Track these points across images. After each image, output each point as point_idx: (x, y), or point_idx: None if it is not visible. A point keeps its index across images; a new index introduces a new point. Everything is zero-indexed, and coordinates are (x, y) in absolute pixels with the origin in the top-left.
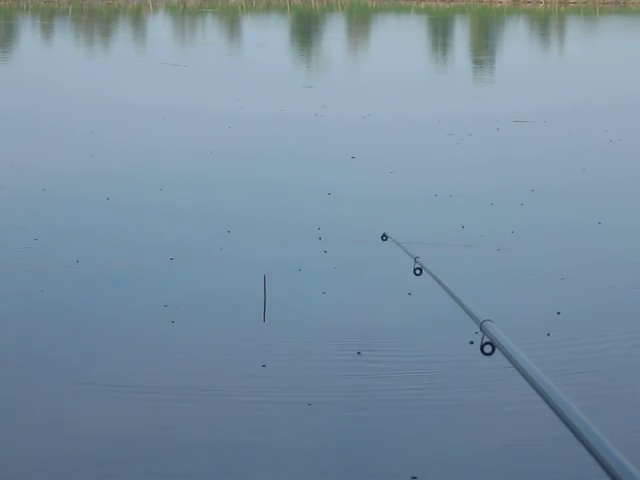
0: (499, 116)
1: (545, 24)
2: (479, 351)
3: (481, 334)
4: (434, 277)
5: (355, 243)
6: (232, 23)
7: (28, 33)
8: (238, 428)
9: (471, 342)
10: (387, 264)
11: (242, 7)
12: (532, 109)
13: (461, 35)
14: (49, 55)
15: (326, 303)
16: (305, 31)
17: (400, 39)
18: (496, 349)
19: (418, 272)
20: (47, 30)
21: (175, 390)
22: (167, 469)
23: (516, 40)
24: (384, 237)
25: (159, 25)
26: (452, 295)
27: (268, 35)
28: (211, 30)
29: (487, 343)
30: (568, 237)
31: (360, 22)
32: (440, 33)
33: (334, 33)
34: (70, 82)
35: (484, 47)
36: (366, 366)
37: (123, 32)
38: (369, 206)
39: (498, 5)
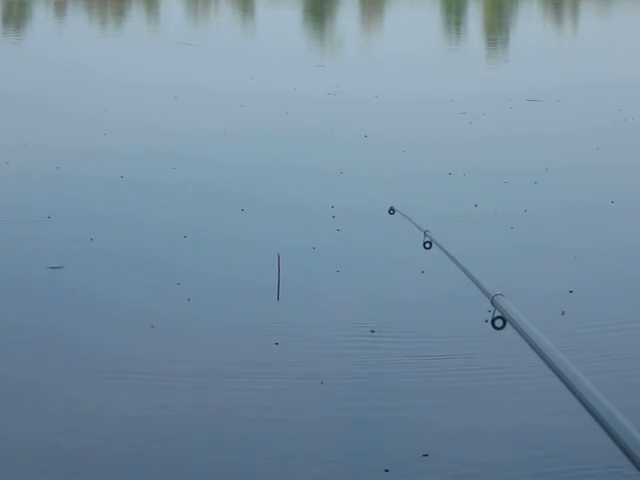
0: (512, 95)
1: (559, 3)
2: (490, 325)
3: (493, 309)
4: (444, 250)
5: (368, 221)
6: (245, 2)
7: (41, 12)
8: (251, 405)
9: (486, 321)
10: (399, 241)
11: None
12: (545, 88)
13: (475, 14)
14: (62, 34)
15: (340, 281)
16: (318, 10)
17: (413, 18)
18: (507, 323)
19: (428, 246)
20: (60, 9)
21: (190, 369)
22: (179, 444)
23: (530, 19)
24: (391, 211)
25: (172, 4)
26: (463, 268)
27: (281, 14)
28: (224, 9)
29: (498, 317)
30: (581, 215)
31: (373, 1)
32: (454, 12)
33: (347, 12)
34: (83, 61)
35: (497, 26)
36: (379, 344)
37: (136, 11)
38: (382, 184)
39: None
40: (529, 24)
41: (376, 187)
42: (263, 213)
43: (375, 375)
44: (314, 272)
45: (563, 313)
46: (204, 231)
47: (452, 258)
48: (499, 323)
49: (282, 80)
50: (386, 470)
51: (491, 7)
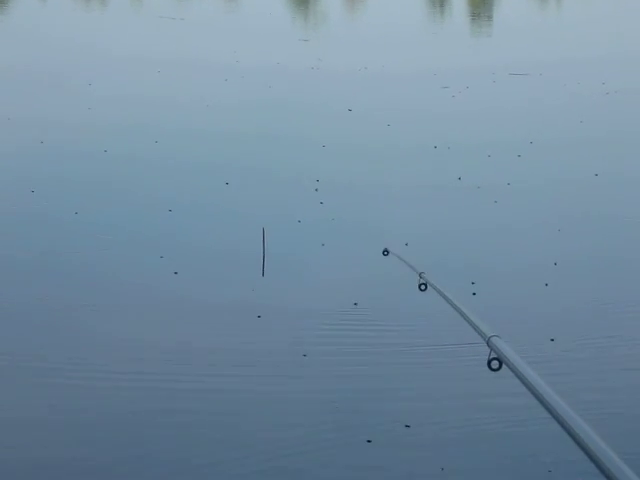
0: (495, 69)
1: None
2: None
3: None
4: (440, 293)
5: (352, 195)
6: None
7: None
8: (235, 382)
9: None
10: (385, 216)
11: None
12: (529, 62)
13: None
14: (46, 8)
15: (325, 255)
16: None
17: None
18: (503, 365)
19: (423, 287)
20: None
21: (174, 343)
22: (164, 418)
23: None
24: (385, 252)
25: None
26: (459, 310)
27: None
28: None
29: (494, 359)
30: (565, 188)
31: None
32: None
33: None
34: (67, 35)
35: (482, 0)
36: (362, 318)
37: None
38: (366, 158)
39: None
40: None
41: (360, 160)
42: (247, 186)
43: (357, 348)
44: (299, 245)
45: (547, 285)
46: (189, 205)
47: (448, 300)
48: (495, 365)
49: (265, 54)
50: (369, 441)
51: None
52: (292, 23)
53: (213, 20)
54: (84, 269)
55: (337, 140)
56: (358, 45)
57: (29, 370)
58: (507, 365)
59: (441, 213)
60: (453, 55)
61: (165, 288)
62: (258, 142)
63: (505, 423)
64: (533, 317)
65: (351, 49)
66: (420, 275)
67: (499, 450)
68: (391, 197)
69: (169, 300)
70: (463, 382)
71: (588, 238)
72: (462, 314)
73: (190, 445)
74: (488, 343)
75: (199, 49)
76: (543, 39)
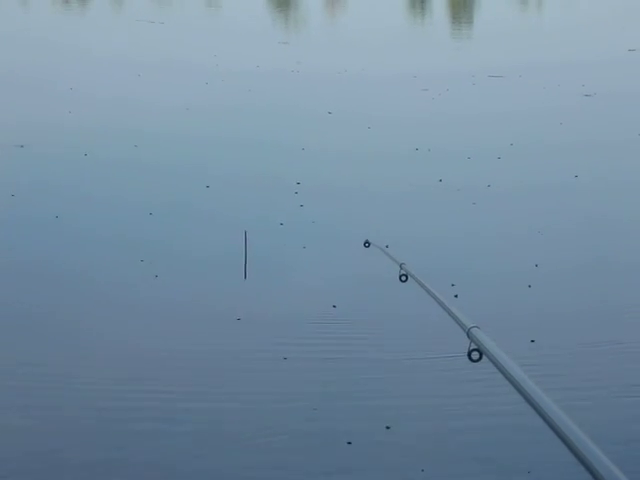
0: (475, 71)
1: None
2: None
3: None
4: (420, 284)
5: (333, 198)
6: None
7: None
8: (216, 383)
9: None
10: (365, 218)
11: None
12: (508, 64)
13: None
14: (26, 12)
15: (306, 257)
16: None
17: None
18: (484, 356)
19: (404, 279)
20: None
21: (155, 346)
22: (145, 414)
23: None
24: (367, 244)
25: None
26: (439, 301)
27: None
28: None
29: (474, 349)
30: (545, 190)
31: None
32: None
33: None
34: (48, 39)
35: (462, 3)
36: (341, 319)
37: None
38: (348, 160)
39: None
40: (494, 2)
41: (340, 163)
42: (228, 189)
43: (337, 349)
44: (280, 248)
45: (530, 286)
46: (170, 208)
47: (428, 291)
48: (475, 355)
49: (245, 57)
50: (349, 442)
51: None
52: (272, 26)
53: (193, 24)
54: (64, 273)
55: (317, 143)
56: (338, 48)
57: (6, 374)
58: (487, 356)
59: (422, 215)
60: (433, 57)
61: (145, 291)
62: (238, 145)
63: (486, 424)
64: (514, 318)
65: (331, 52)
66: (401, 266)
67: (479, 451)
68: (372, 199)
69: (149, 303)
70: (444, 384)
71: (569, 240)
72: (442, 305)
73: (168, 448)
74: (468, 334)
75: (179, 53)
76: (523, 41)
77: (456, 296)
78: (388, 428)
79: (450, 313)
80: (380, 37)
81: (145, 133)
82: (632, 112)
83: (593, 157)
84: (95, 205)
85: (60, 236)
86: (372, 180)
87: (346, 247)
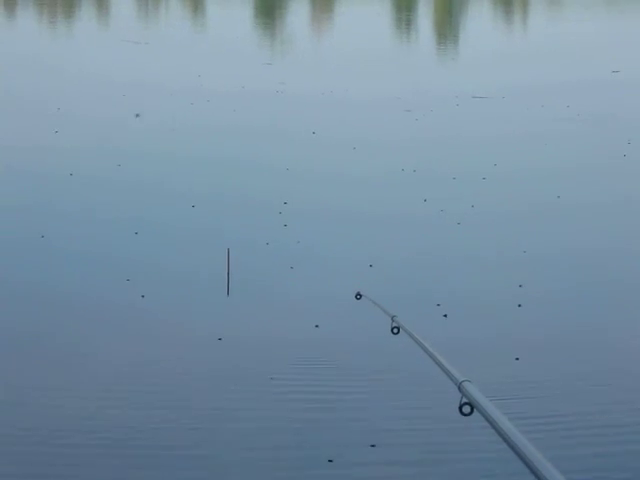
0: (459, 92)
1: (509, 2)
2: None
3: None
4: (412, 337)
5: (317, 219)
6: (196, 1)
7: None
8: (200, 397)
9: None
10: (350, 238)
11: None
12: (492, 85)
13: (425, 12)
14: (12, 32)
15: (291, 277)
16: (268, 9)
17: (363, 16)
18: (475, 410)
19: (396, 331)
20: (10, 6)
21: (140, 366)
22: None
23: (480, 18)
24: (358, 296)
25: (123, 3)
26: (431, 355)
27: (231, 13)
28: (175, 8)
29: (466, 403)
30: (529, 211)
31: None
32: (404, 10)
33: (297, 10)
34: (33, 59)
35: (447, 24)
36: (325, 338)
37: (86, 10)
38: (333, 181)
39: None
40: (479, 23)
41: (325, 183)
42: (213, 209)
43: (320, 369)
44: (264, 267)
45: (520, 305)
46: (156, 228)
47: (420, 344)
48: (467, 409)
49: (230, 78)
50: (330, 460)
51: (442, 5)
52: (257, 47)
53: (178, 44)
54: (50, 293)
55: (301, 163)
56: (323, 69)
57: None
58: (478, 410)
59: (406, 234)
60: (417, 78)
61: (132, 311)
62: (223, 165)
63: (467, 445)
64: (498, 337)
65: (316, 72)
66: (393, 319)
67: (460, 472)
68: (356, 219)
69: (135, 321)
70: (429, 408)
71: (553, 259)
72: (434, 358)
73: (142, 463)
74: (460, 388)
75: (164, 73)
76: (507, 63)
77: (445, 315)
78: (373, 446)
79: (442, 367)
80: (365, 58)
81: (131, 153)
82: (617, 133)
83: (576, 178)
84: (81, 225)
85: (46, 256)
86: (357, 200)
87: (330, 268)
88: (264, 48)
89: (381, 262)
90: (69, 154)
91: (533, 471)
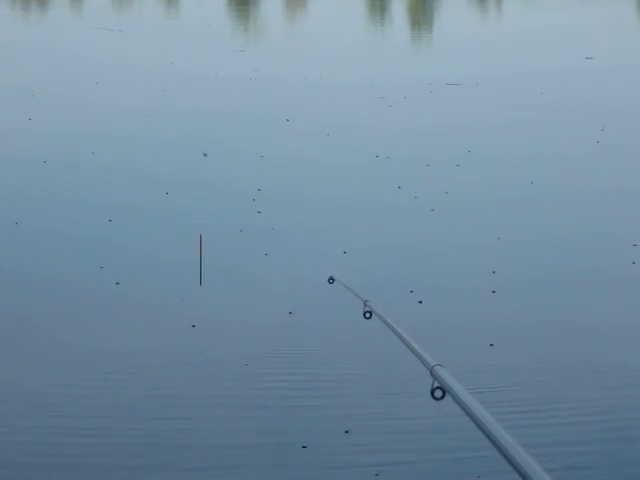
0: (432, 79)
1: None
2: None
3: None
4: (384, 321)
5: (291, 205)
6: None
7: None
8: (174, 385)
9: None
10: (324, 224)
11: None
12: (465, 73)
13: None
14: None
15: (265, 263)
16: None
17: (338, 2)
18: (447, 394)
19: (368, 315)
20: None
21: (111, 352)
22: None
23: (454, 5)
24: (331, 280)
25: None
26: (402, 339)
27: (205, 1)
28: None
29: (437, 388)
30: (503, 197)
31: None
32: None
33: None
34: (6, 46)
35: (421, 12)
36: (298, 323)
37: None
38: (307, 168)
39: None
40: (453, 10)
41: (299, 170)
42: (187, 196)
43: (294, 355)
44: (238, 254)
45: (494, 292)
46: (130, 214)
47: (392, 328)
48: (438, 394)
49: (204, 65)
50: (304, 447)
51: None
52: (231, 34)
53: (151, 31)
54: (24, 279)
55: (275, 150)
56: (297, 55)
57: None
58: (450, 394)
59: (380, 221)
60: (391, 65)
61: (105, 298)
62: (197, 152)
63: (441, 430)
64: (472, 323)
65: (289, 59)
66: (365, 303)
67: (434, 455)
68: (330, 206)
69: (109, 308)
70: (402, 393)
71: (526, 245)
72: (406, 343)
73: (122, 451)
74: (431, 372)
75: (137, 60)
76: (480, 50)
77: (420, 302)
78: (347, 432)
79: (414, 351)
80: (339, 45)
81: (104, 140)
82: (589, 120)
83: (550, 164)
84: (54, 212)
85: (19, 243)
86: (331, 187)
87: (304, 254)
88: (238, 35)
89: (355, 249)
90: (43, 141)
91: (505, 455)
